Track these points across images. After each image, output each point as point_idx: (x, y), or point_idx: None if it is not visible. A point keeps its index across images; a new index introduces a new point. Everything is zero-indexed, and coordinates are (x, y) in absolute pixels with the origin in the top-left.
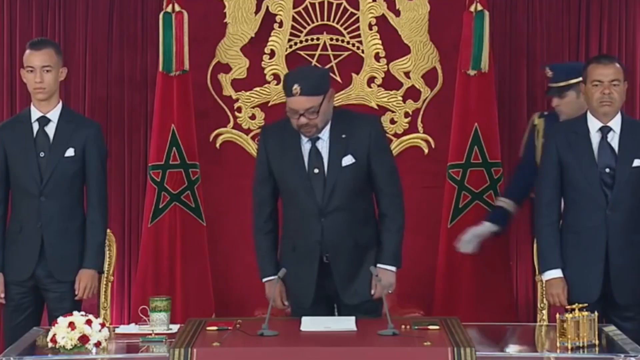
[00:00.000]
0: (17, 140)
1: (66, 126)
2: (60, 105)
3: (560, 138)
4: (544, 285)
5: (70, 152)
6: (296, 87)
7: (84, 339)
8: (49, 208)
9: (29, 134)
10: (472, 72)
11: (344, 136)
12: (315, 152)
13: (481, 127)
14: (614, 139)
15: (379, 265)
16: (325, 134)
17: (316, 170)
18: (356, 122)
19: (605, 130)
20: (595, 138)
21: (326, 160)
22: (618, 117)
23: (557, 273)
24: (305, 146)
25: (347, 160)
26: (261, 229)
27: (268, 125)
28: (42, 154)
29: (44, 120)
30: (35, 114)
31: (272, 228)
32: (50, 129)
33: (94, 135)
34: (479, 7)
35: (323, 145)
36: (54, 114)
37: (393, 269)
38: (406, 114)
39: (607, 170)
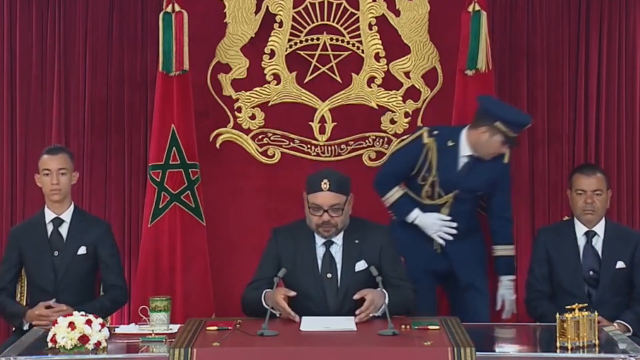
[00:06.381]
0: (33, 243)
1: (78, 225)
2: (72, 207)
3: (548, 238)
4: None
5: (82, 250)
6: (326, 182)
7: (84, 339)
8: (64, 302)
9: (43, 235)
10: (469, 72)
11: (357, 241)
12: (329, 257)
13: None
14: (598, 243)
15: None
16: (339, 239)
17: (329, 275)
18: (369, 230)
19: (590, 235)
20: (581, 241)
21: (339, 265)
22: (602, 222)
23: None
24: (319, 250)
25: (360, 265)
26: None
27: (279, 227)
28: (56, 253)
29: (57, 222)
30: (49, 215)
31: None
32: (64, 229)
33: (104, 234)
34: (477, 7)
35: (337, 250)
36: (67, 215)
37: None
38: (406, 114)
39: (591, 272)
